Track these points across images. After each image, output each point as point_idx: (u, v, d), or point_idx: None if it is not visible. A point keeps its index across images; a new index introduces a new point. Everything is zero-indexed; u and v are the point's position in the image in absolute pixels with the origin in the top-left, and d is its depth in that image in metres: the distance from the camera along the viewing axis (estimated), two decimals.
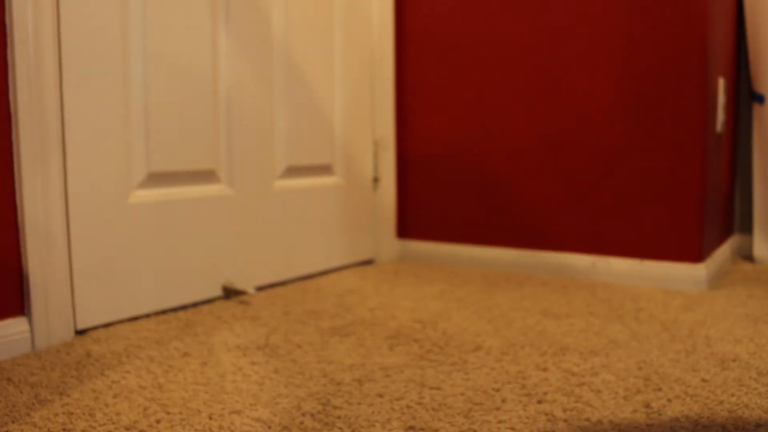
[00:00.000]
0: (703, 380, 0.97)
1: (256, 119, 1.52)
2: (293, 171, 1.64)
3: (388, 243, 1.90)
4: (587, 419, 0.85)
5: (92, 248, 1.22)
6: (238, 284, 1.50)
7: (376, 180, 1.88)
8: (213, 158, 1.44)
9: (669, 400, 0.90)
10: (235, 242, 1.50)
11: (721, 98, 1.67)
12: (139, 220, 1.30)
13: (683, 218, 1.55)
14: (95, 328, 1.23)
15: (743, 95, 1.96)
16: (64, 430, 0.82)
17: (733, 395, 0.92)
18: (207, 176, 1.43)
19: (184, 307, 1.39)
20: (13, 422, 0.84)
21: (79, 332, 1.21)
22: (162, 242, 1.34)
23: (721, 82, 1.67)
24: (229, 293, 1.47)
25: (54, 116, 1.14)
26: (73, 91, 1.17)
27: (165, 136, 1.34)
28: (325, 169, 1.73)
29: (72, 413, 0.87)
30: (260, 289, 1.56)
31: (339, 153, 1.76)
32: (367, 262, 1.88)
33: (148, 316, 1.32)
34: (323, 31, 1.68)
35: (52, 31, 1.12)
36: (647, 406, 0.88)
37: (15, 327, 1.10)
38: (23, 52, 1.08)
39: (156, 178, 1.33)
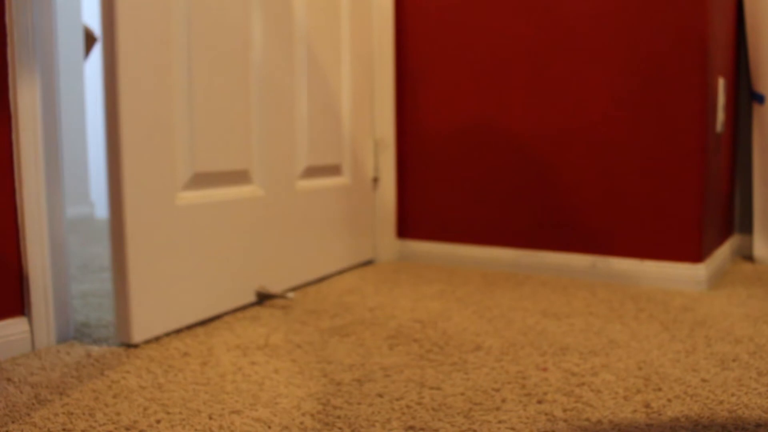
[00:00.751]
0: (703, 380, 0.97)
1: (282, 118, 1.49)
2: (311, 171, 1.61)
3: (387, 243, 1.90)
4: (587, 419, 0.85)
5: (145, 255, 1.15)
6: (272, 288, 1.46)
7: (375, 180, 1.88)
8: (246, 158, 1.39)
9: (669, 400, 0.90)
10: (266, 245, 1.45)
11: (721, 98, 1.67)
12: (185, 223, 1.23)
13: (683, 218, 1.55)
14: (148, 341, 1.17)
15: (743, 95, 1.96)
16: (64, 430, 0.82)
17: (733, 395, 0.92)
18: (241, 176, 1.38)
19: (221, 316, 1.34)
20: (13, 422, 0.84)
21: (132, 346, 1.15)
22: (204, 247, 1.29)
23: (721, 82, 1.67)
24: (264, 298, 1.43)
25: (54, 115, 1.14)
26: (127, 92, 1.11)
27: (208, 134, 1.28)
28: (335, 169, 1.71)
29: (72, 413, 0.87)
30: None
31: (347, 153, 1.75)
32: (367, 262, 1.88)
33: (192, 326, 1.27)
34: (333, 30, 1.67)
35: (51, 31, 1.12)
36: (647, 406, 0.88)
37: (15, 327, 1.10)
38: (23, 51, 1.08)
39: (199, 179, 1.27)
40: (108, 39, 1.10)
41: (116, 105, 1.10)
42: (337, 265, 1.72)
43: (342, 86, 1.72)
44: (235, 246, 1.36)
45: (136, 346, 1.14)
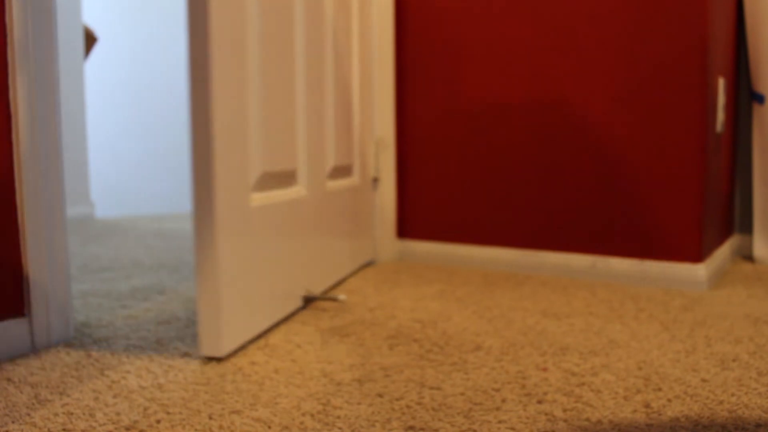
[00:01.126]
0: (703, 380, 0.97)
1: (318, 116, 1.46)
2: (336, 171, 1.58)
3: (387, 243, 1.90)
4: (587, 419, 0.85)
5: (229, 261, 1.09)
6: (318, 292, 1.43)
7: (375, 180, 1.88)
8: (294, 157, 1.34)
9: (669, 400, 0.90)
10: (307, 247, 1.40)
11: (721, 98, 1.67)
12: (256, 225, 1.17)
13: (683, 218, 1.55)
14: (232, 354, 1.11)
15: (743, 95, 1.96)
16: (64, 430, 0.82)
17: (733, 395, 0.92)
18: (290, 177, 1.34)
19: (280, 323, 1.29)
20: (13, 422, 0.84)
21: (218, 360, 1.08)
22: (269, 250, 1.23)
23: (721, 82, 1.67)
24: (309, 301, 1.40)
25: (53, 115, 1.14)
26: (219, 94, 1.06)
27: (270, 134, 1.23)
28: (349, 170, 1.69)
29: (72, 413, 0.87)
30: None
31: (357, 153, 1.74)
32: (367, 263, 1.88)
33: (259, 337, 1.21)
34: (348, 29, 1.66)
35: (51, 31, 1.12)
36: (647, 406, 0.89)
37: (15, 327, 1.10)
38: (23, 51, 1.08)
39: (263, 180, 1.22)
40: (199, 44, 1.04)
41: (209, 107, 1.03)
42: (349, 266, 1.70)
43: (353, 84, 1.72)
44: (289, 248, 1.31)
45: (221, 359, 1.08)
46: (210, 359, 1.08)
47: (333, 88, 1.55)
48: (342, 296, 1.35)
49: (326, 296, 1.37)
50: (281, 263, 1.28)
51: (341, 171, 1.64)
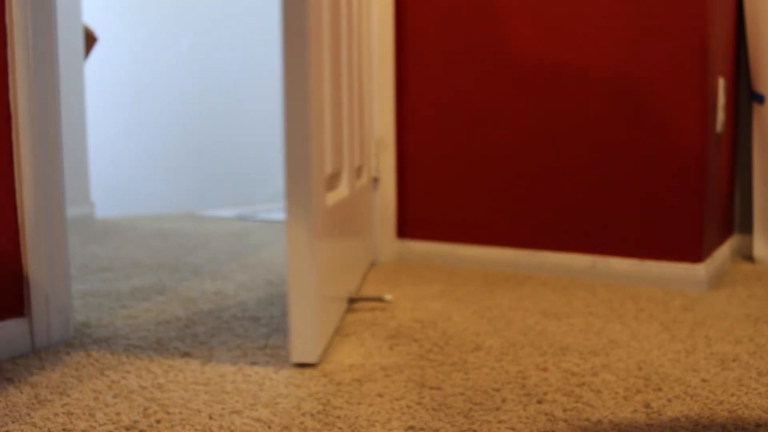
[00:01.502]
0: (703, 380, 0.97)
1: (351, 116, 1.45)
2: (357, 171, 1.57)
3: (387, 243, 1.90)
4: (587, 419, 0.85)
5: (316, 261, 1.06)
6: (353, 292, 1.41)
7: (375, 180, 1.88)
8: (342, 158, 1.33)
9: (669, 400, 0.90)
10: (347, 247, 1.38)
11: (721, 98, 1.67)
12: (328, 225, 1.16)
13: (683, 218, 1.55)
14: (314, 364, 1.07)
15: (743, 95, 1.96)
16: (64, 430, 0.82)
17: (733, 395, 0.92)
18: (337, 178, 1.33)
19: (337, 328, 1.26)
20: (13, 422, 0.84)
21: (308, 366, 1.05)
22: (335, 249, 1.22)
23: (721, 82, 1.67)
24: (352, 302, 1.38)
25: (54, 116, 1.14)
26: (314, 103, 1.06)
27: (333, 135, 1.23)
28: (361, 170, 1.68)
29: (72, 413, 0.87)
30: None
31: (366, 153, 1.74)
32: (372, 263, 1.88)
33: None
34: (363, 27, 1.65)
35: (51, 31, 1.12)
36: (647, 406, 0.89)
37: (15, 327, 1.10)
38: (23, 51, 1.08)
39: (328, 181, 1.21)
40: (298, 67, 1.05)
41: (307, 118, 1.04)
42: (364, 265, 1.68)
43: (365, 83, 1.71)
44: (341, 248, 1.30)
45: (313, 365, 1.05)
46: (304, 365, 1.05)
47: (357, 86, 1.56)
48: (388, 296, 1.35)
49: (371, 296, 1.36)
50: (340, 264, 1.27)
51: (358, 171, 1.64)
